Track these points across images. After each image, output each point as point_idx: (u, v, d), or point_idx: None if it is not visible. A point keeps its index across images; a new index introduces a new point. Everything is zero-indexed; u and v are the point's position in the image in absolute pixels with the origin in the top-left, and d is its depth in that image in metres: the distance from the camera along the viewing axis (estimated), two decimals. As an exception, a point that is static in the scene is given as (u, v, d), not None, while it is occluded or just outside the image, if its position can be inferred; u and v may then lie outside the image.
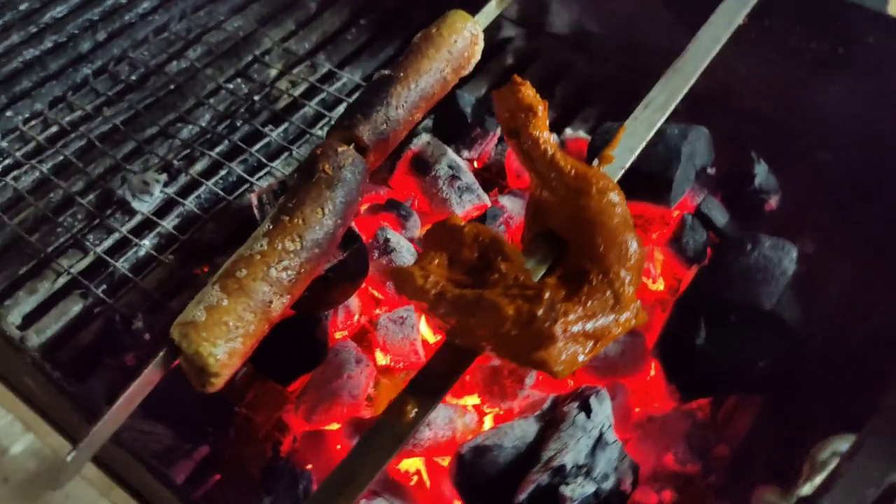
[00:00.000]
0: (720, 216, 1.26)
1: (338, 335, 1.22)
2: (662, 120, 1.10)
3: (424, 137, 1.37)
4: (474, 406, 1.11)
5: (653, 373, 1.13)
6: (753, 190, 1.30)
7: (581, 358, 0.88)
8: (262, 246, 0.94)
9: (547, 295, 0.82)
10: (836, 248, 1.24)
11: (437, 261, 0.94)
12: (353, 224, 1.20)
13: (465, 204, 1.30)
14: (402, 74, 1.10)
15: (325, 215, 0.97)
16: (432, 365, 0.91)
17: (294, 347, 1.14)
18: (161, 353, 0.88)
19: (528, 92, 1.00)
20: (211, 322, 0.88)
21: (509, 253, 0.92)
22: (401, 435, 0.84)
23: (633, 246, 0.95)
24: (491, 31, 1.67)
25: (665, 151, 1.25)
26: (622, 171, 1.05)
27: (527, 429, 0.98)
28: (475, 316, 0.83)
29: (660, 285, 1.25)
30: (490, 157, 1.44)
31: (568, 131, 1.33)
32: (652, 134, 1.09)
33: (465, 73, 1.18)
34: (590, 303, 0.92)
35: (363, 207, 1.30)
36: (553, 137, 1.00)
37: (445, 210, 1.30)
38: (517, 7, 1.70)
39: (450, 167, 1.32)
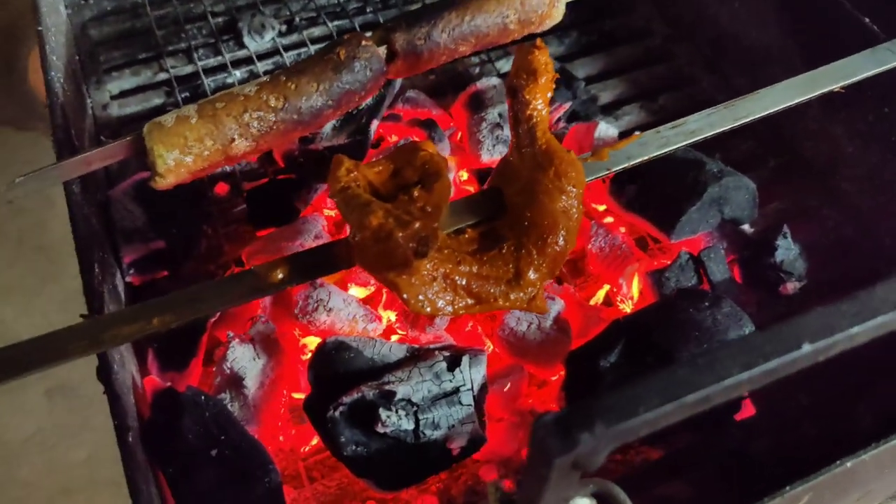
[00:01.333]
0: (718, 270, 1.16)
1: (327, 212, 1.27)
2: (681, 146, 1.02)
3: (493, 81, 1.35)
4: (389, 321, 1.13)
5: (557, 377, 1.09)
6: (771, 264, 1.17)
7: (443, 305, 0.87)
8: (249, 91, 0.99)
9: (416, 226, 0.81)
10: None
11: (380, 168, 0.95)
12: (375, 126, 1.23)
13: (494, 153, 1.28)
14: (463, 3, 1.09)
15: (318, 91, 0.99)
16: (321, 250, 0.93)
17: (275, 203, 1.21)
18: (131, 136, 0.96)
19: (540, 58, 0.97)
20: (174, 131, 0.95)
21: (438, 189, 0.91)
22: (259, 289, 0.88)
23: (560, 240, 0.91)
24: (640, 22, 1.62)
25: (692, 183, 1.15)
26: (605, 174, 1.00)
27: (395, 352, 0.98)
28: (351, 215, 0.85)
29: (627, 307, 1.18)
30: (552, 127, 1.39)
31: (600, 126, 1.26)
32: (662, 153, 1.02)
33: (537, 29, 1.14)
34: (487, 266, 0.90)
35: (403, 118, 1.33)
36: (544, 110, 0.97)
37: (476, 151, 1.29)
38: (672, 8, 1.62)
39: (500, 115, 1.30)
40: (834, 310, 0.61)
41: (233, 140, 0.97)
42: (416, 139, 1.29)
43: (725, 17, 1.51)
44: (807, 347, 0.59)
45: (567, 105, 1.37)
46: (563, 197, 0.92)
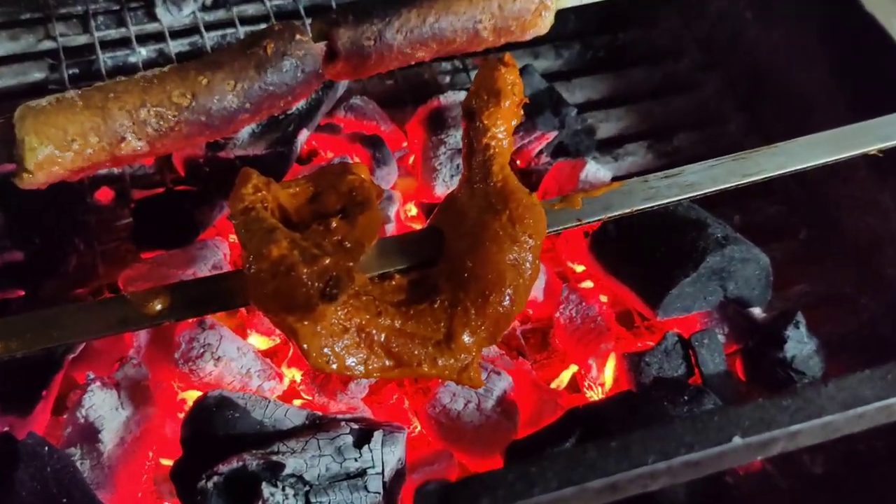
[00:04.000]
0: (712, 360, 1.28)
1: (233, 238, 1.39)
2: (672, 201, 1.16)
3: (460, 95, 1.50)
4: (293, 382, 1.25)
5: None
6: (779, 360, 1.30)
7: (354, 363, 0.98)
8: (151, 80, 1.12)
9: (326, 262, 0.94)
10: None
11: (296, 189, 1.08)
12: (305, 137, 1.37)
13: (450, 186, 1.41)
14: (427, 1, 1.24)
15: (234, 91, 1.12)
16: (212, 281, 1.06)
17: (168, 219, 1.33)
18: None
19: (507, 76, 1.11)
20: (53, 120, 1.06)
21: (363, 222, 1.04)
22: (132, 321, 1.00)
23: (505, 300, 1.03)
24: (663, 39, 1.78)
25: (689, 249, 1.28)
26: (573, 226, 1.13)
27: (291, 417, 1.10)
28: (250, 242, 0.97)
29: (596, 394, 1.31)
30: (532, 161, 1.54)
31: (590, 164, 1.40)
32: (646, 208, 1.15)
33: (516, 38, 1.28)
34: (414, 321, 1.03)
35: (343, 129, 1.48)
36: (505, 140, 1.10)
37: (429, 181, 1.43)
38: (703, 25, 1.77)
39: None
40: (774, 403, 0.75)
41: (123, 139, 1.08)
42: (353, 159, 1.42)
43: (765, 47, 1.67)
44: (737, 441, 0.72)
45: (552, 135, 1.51)
46: (516, 247, 1.04)
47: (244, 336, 1.25)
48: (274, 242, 0.95)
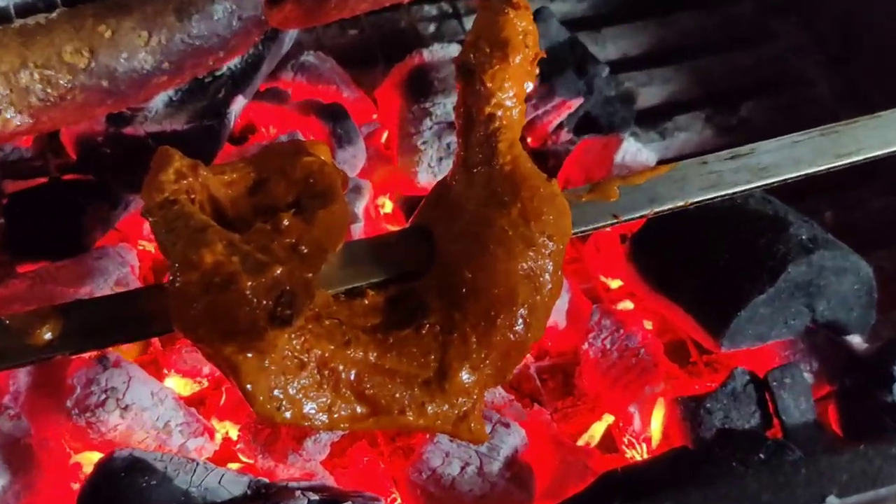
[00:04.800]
0: (796, 406, 1.30)
1: (144, 245, 1.42)
2: (741, 191, 1.20)
3: (451, 50, 1.53)
4: (225, 437, 1.28)
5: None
6: (888, 405, 1.33)
7: (313, 411, 1.01)
8: (35, 33, 1.15)
9: (278, 272, 0.97)
10: None
11: (234, 175, 1.11)
12: (240, 106, 1.40)
13: (440, 172, 1.44)
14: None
15: (147, 47, 1.15)
16: (120, 301, 1.08)
17: (54, 220, 1.35)
18: None
19: (517, 23, 1.13)
20: None
21: (324, 219, 1.07)
22: (8, 354, 1.02)
23: (518, 323, 1.06)
24: None
25: (763, 255, 1.30)
26: (610, 224, 1.17)
27: (228, 485, 1.12)
28: (173, 245, 1.00)
29: (638, 453, 1.34)
30: (548, 138, 1.57)
31: (629, 142, 1.44)
32: (706, 199, 1.19)
33: None
34: (394, 353, 1.06)
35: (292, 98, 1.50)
36: (515, 108, 1.13)
37: (410, 166, 1.46)
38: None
39: (454, 113, 1.47)
40: (881, 451, 0.79)
41: (-4, 111, 1.12)
42: (306, 137, 1.45)
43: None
44: (832, 501, 0.76)
45: (575, 103, 1.54)
46: (530, 253, 1.07)
47: (160, 378, 1.27)
48: (206, 246, 0.97)
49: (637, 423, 1.32)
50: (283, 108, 1.45)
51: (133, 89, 1.10)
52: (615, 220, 1.15)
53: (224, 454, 1.23)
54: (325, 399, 1.02)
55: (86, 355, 1.18)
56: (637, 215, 1.16)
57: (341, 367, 1.02)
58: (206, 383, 1.30)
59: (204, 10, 1.11)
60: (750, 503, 0.70)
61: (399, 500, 1.24)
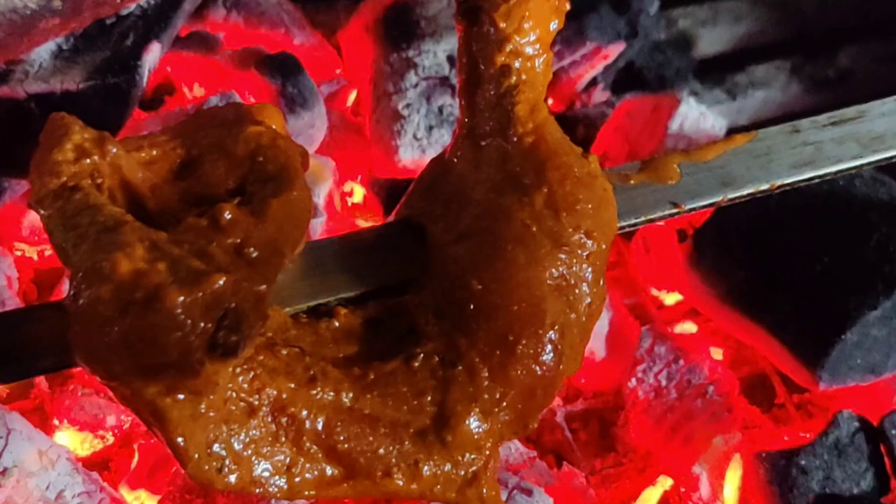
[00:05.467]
0: None
1: (23, 249, 1.43)
2: (844, 169, 1.21)
3: (443, -19, 1.55)
4: (143, 511, 1.29)
5: None
6: None
7: (267, 473, 1.02)
8: None
9: (219, 284, 0.98)
10: None
11: (154, 152, 1.12)
12: (155, 57, 1.41)
13: (429, 147, 1.46)
14: None
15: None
16: (6, 324, 1.09)
17: None
18: None
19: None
20: None
21: (278, 211, 1.09)
22: None
23: (546, 351, 1.08)
24: None
25: (875, 260, 1.33)
26: (669, 215, 1.18)
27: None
28: (76, 247, 1.01)
29: (703, 523, 1.35)
30: (577, 99, 1.59)
31: (688, 103, 1.46)
32: (799, 181, 1.21)
33: None
34: (375, 395, 1.07)
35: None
36: (539, 57, 1.15)
37: (387, 137, 1.47)
38: None
39: (450, 61, 1.49)
40: None
41: None
42: (247, 99, 1.47)
43: None
44: None
45: (614, 49, 1.56)
46: (562, 255, 1.08)
47: (49, 431, 1.28)
48: (120, 248, 0.97)
49: (705, 488, 1.34)
50: (212, 59, 1.45)
51: (12, 37, 1.11)
52: (676, 210, 1.16)
53: (139, 535, 1.24)
54: (282, 457, 1.02)
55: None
56: (705, 203, 1.18)
57: (305, 414, 1.03)
58: (110, 439, 1.30)
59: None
60: None
61: None
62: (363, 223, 1.40)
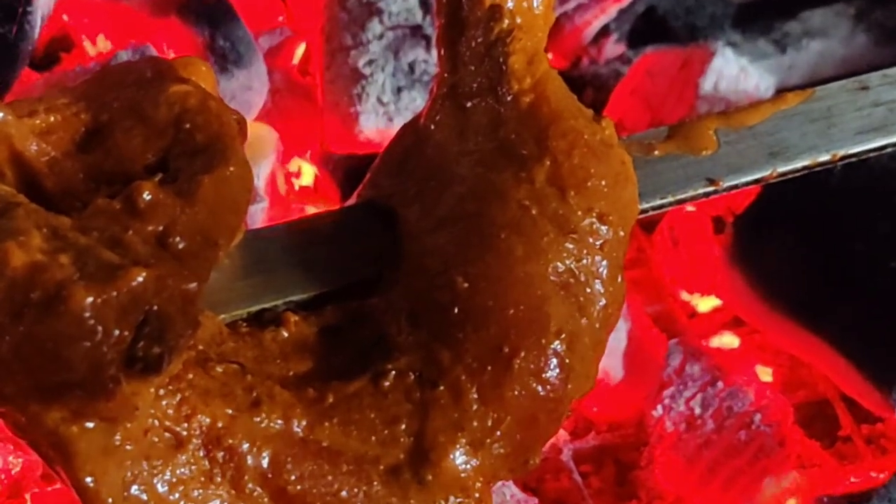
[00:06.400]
0: None
1: None
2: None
3: None
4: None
5: None
6: None
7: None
8: None
9: (138, 281, 1.00)
10: None
11: (54, 118, 1.13)
12: (48, 4, 1.43)
13: (394, 114, 1.49)
14: None
15: None
16: None
17: None
18: None
19: None
20: None
21: (210, 191, 1.10)
22: None
23: (550, 370, 1.10)
24: None
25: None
26: (703, 195, 1.20)
27: None
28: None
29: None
30: (584, 53, 1.61)
31: (725, 57, 1.48)
32: (867, 151, 1.23)
33: None
34: (335, 423, 1.09)
35: None
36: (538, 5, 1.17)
37: (342, 103, 1.50)
38: None
39: (421, 5, 1.51)
40: None
41: None
42: (165, 54, 1.49)
43: None
44: None
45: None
46: (570, 245, 1.10)
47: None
48: (13, 237, 0.98)
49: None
50: (120, 3, 1.47)
51: None
52: (712, 189, 1.17)
53: None
54: (218, 501, 1.04)
55: None
56: (749, 179, 1.19)
57: (246, 447, 1.04)
58: (18, 464, 1.32)
59: None
60: None
61: None
62: (314, 209, 1.41)
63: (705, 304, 1.42)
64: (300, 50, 1.48)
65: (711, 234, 1.34)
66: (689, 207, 1.13)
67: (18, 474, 1.29)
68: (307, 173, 1.42)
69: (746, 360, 1.38)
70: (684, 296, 1.42)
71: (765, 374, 1.38)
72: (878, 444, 1.35)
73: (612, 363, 1.33)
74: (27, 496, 1.29)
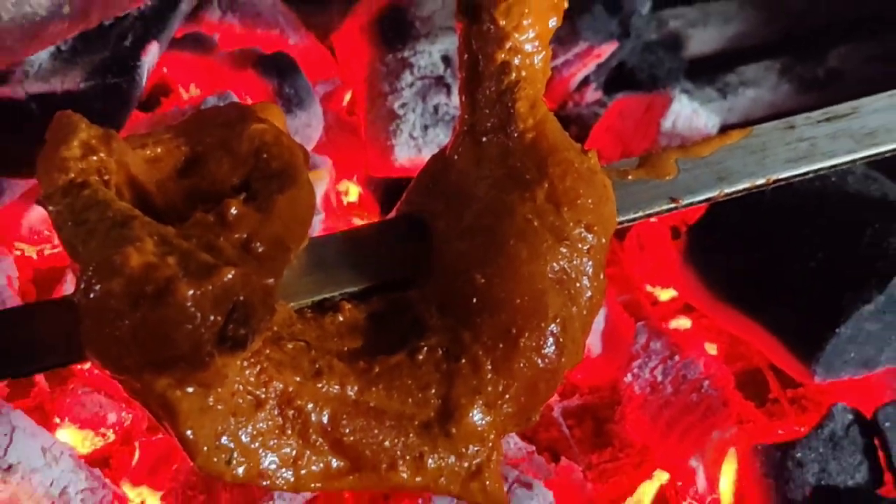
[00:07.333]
0: None
1: (23, 249, 1.45)
2: (840, 164, 1.23)
3: (438, -19, 1.56)
4: (143, 505, 1.30)
5: None
6: None
7: (274, 466, 1.03)
8: None
9: (229, 277, 0.99)
10: None
11: (159, 149, 1.14)
12: (154, 58, 1.43)
13: (425, 147, 1.47)
14: None
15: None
16: (10, 322, 1.10)
17: None
18: None
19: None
20: None
21: (283, 207, 1.10)
22: None
23: (548, 344, 1.09)
24: None
25: (869, 255, 1.34)
26: (667, 210, 1.20)
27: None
28: (85, 243, 1.02)
29: (698, 514, 1.37)
30: (569, 98, 1.61)
31: (680, 101, 1.48)
32: (795, 176, 1.22)
33: None
34: (382, 386, 1.09)
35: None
36: (537, 55, 1.17)
37: (382, 137, 1.49)
38: None
39: (444, 61, 1.51)
40: None
41: None
42: (244, 99, 1.48)
43: None
44: None
45: (606, 49, 1.58)
46: (563, 249, 1.10)
47: (50, 429, 1.29)
48: (131, 243, 0.98)
49: (701, 482, 1.35)
50: (208, 59, 1.47)
51: (21, 42, 1.12)
52: (674, 205, 1.18)
53: (142, 530, 1.25)
54: (289, 449, 1.04)
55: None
56: (702, 198, 1.20)
57: (311, 407, 1.04)
58: (111, 436, 1.31)
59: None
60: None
61: (384, 590, 1.26)
62: (359, 221, 1.40)
63: (665, 294, 1.42)
64: (348, 95, 1.48)
65: (670, 240, 1.34)
66: (653, 220, 1.12)
67: (129, 426, 1.30)
68: (353, 192, 1.43)
69: (697, 339, 1.38)
70: (648, 288, 1.42)
71: (711, 349, 1.38)
72: (800, 404, 1.35)
73: (592, 340, 1.34)
74: (136, 444, 1.28)
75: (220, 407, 0.99)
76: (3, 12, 1.07)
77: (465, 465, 1.07)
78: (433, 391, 1.07)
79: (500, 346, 1.07)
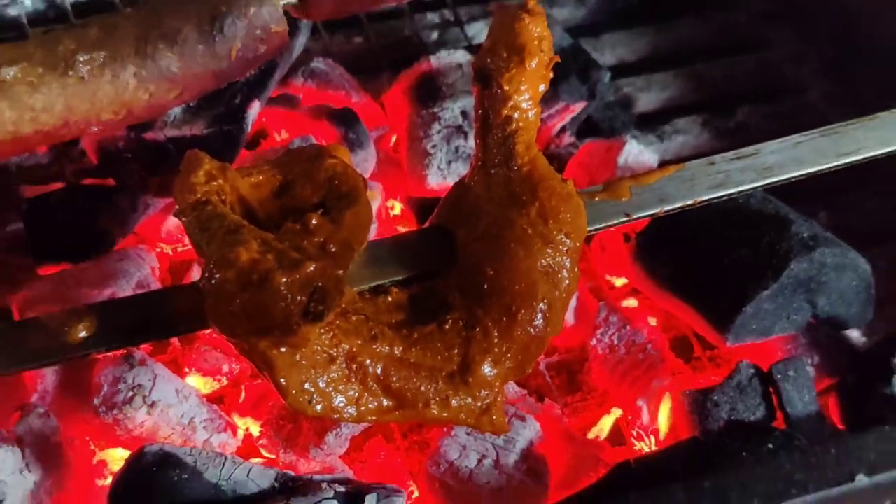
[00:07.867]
0: (800, 399, 1.32)
1: (163, 247, 1.45)
2: (747, 189, 1.23)
3: (460, 56, 1.56)
4: (249, 434, 1.30)
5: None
6: (887, 397, 1.35)
7: (343, 404, 1.03)
8: (61, 49, 1.18)
9: (311, 269, 1.00)
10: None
11: (260, 177, 1.14)
12: (256, 111, 1.43)
13: (450, 176, 1.47)
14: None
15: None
16: (154, 299, 1.11)
17: (73, 224, 1.37)
18: None
19: (532, 28, 1.16)
20: None
21: (350, 219, 1.10)
22: (47, 352, 1.05)
23: (538, 318, 1.09)
24: None
25: (766, 253, 1.33)
26: (621, 222, 1.20)
27: (256, 478, 1.14)
28: (208, 245, 1.03)
29: (647, 445, 1.37)
30: (551, 142, 1.60)
31: (631, 145, 1.48)
32: (714, 198, 1.22)
33: None
34: (419, 348, 1.09)
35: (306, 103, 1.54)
36: (531, 111, 1.17)
37: (420, 169, 1.48)
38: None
39: (465, 114, 1.51)
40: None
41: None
42: (320, 141, 1.48)
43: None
44: (862, 479, 0.78)
45: (578, 107, 1.58)
46: (549, 250, 1.11)
47: (181, 376, 1.30)
48: (241, 244, 1.00)
49: (645, 416, 1.35)
50: (294, 112, 1.48)
51: (153, 110, 1.18)
52: (627, 219, 1.19)
53: (246, 449, 1.26)
54: (353, 392, 1.05)
55: (111, 354, 1.19)
56: (648, 213, 1.20)
57: (368, 362, 1.05)
58: (224, 381, 1.32)
59: (231, 31, 1.15)
60: (785, 483, 0.72)
61: (416, 493, 1.26)
62: (402, 229, 1.41)
63: (619, 282, 1.43)
64: (394, 139, 1.49)
65: (623, 243, 1.34)
66: (612, 229, 1.12)
67: (238, 374, 1.30)
68: (398, 208, 1.44)
69: (642, 314, 1.39)
70: (608, 277, 1.41)
71: (653, 321, 1.38)
72: (716, 361, 1.37)
73: (568, 315, 1.33)
74: (242, 387, 1.29)
75: (304, 362, 1.00)
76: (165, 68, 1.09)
77: (479, 404, 1.08)
78: (455, 351, 1.08)
79: (504, 319, 1.08)
